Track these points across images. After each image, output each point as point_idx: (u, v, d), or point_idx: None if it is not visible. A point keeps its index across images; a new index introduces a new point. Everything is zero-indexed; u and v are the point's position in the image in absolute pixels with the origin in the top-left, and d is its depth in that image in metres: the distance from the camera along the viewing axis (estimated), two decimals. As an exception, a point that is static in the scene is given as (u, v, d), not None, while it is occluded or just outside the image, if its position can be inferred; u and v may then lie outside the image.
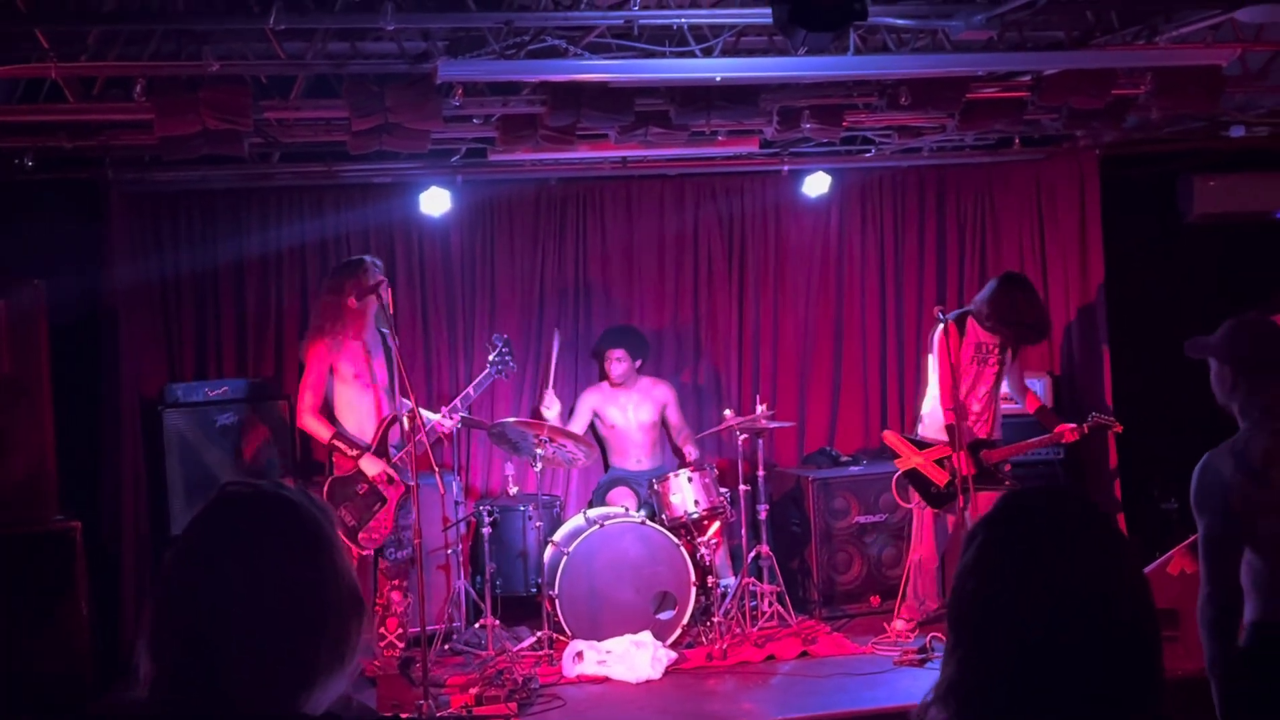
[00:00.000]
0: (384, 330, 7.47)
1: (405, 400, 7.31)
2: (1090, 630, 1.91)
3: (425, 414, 7.70)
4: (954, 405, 7.82)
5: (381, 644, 7.55)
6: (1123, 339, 9.78)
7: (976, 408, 8.09)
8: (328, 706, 1.99)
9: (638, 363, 9.08)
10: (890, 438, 8.37)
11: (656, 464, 9.11)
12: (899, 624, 8.19)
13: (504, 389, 9.41)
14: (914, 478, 8.15)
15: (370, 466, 7.38)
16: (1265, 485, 4.20)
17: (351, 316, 7.38)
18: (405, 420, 7.31)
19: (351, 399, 7.48)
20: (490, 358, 7.92)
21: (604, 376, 9.19)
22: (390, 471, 7.40)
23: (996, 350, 8.04)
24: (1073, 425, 7.93)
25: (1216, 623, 4.21)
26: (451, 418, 7.76)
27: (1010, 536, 2.01)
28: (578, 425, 9.12)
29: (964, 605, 2.01)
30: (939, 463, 8.01)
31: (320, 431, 7.44)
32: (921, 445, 8.15)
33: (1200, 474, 4.30)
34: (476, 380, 7.89)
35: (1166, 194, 10.12)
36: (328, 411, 7.49)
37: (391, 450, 7.47)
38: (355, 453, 7.39)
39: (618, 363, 8.98)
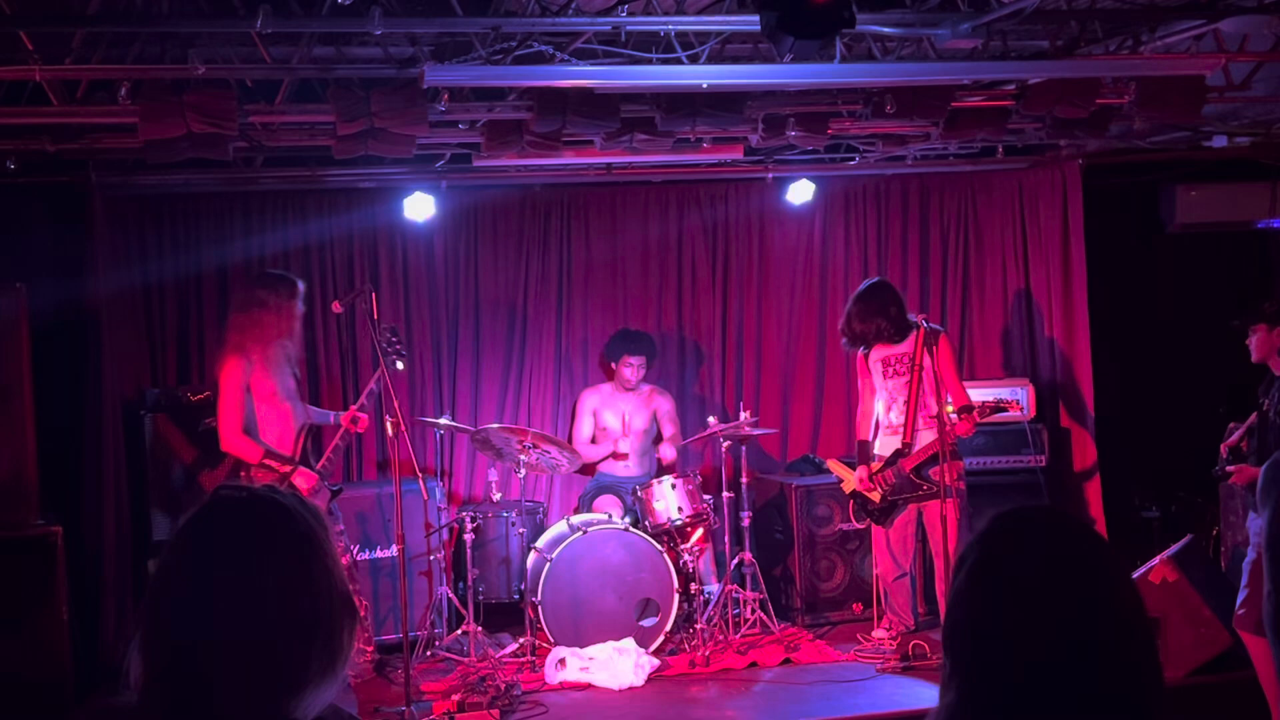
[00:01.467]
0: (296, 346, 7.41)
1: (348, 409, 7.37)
2: (1087, 651, 1.88)
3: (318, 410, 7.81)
4: (901, 422, 8.03)
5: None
6: (1104, 347, 9.82)
7: (898, 420, 8.12)
8: (318, 712, 1.98)
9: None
10: (832, 465, 8.59)
11: (644, 470, 9.10)
12: (879, 633, 8.21)
13: (489, 395, 9.40)
14: (856, 498, 8.30)
15: (303, 481, 7.17)
16: None
17: (273, 332, 7.23)
18: (390, 428, 7.23)
19: (270, 415, 7.28)
20: (383, 346, 7.34)
21: (610, 378, 9.18)
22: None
23: (907, 359, 8.05)
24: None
25: (1278, 623, 4.19)
26: (359, 418, 7.57)
27: (1001, 559, 1.98)
28: (585, 429, 9.11)
29: (959, 631, 1.97)
30: (871, 480, 8.16)
31: (249, 452, 7.18)
32: (855, 467, 8.31)
33: (1266, 470, 4.28)
34: (376, 375, 7.43)
35: (1148, 203, 10.17)
36: (250, 432, 7.28)
37: (310, 460, 7.38)
38: (288, 469, 7.18)
39: (637, 369, 8.98)
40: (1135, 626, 1.95)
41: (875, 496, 8.11)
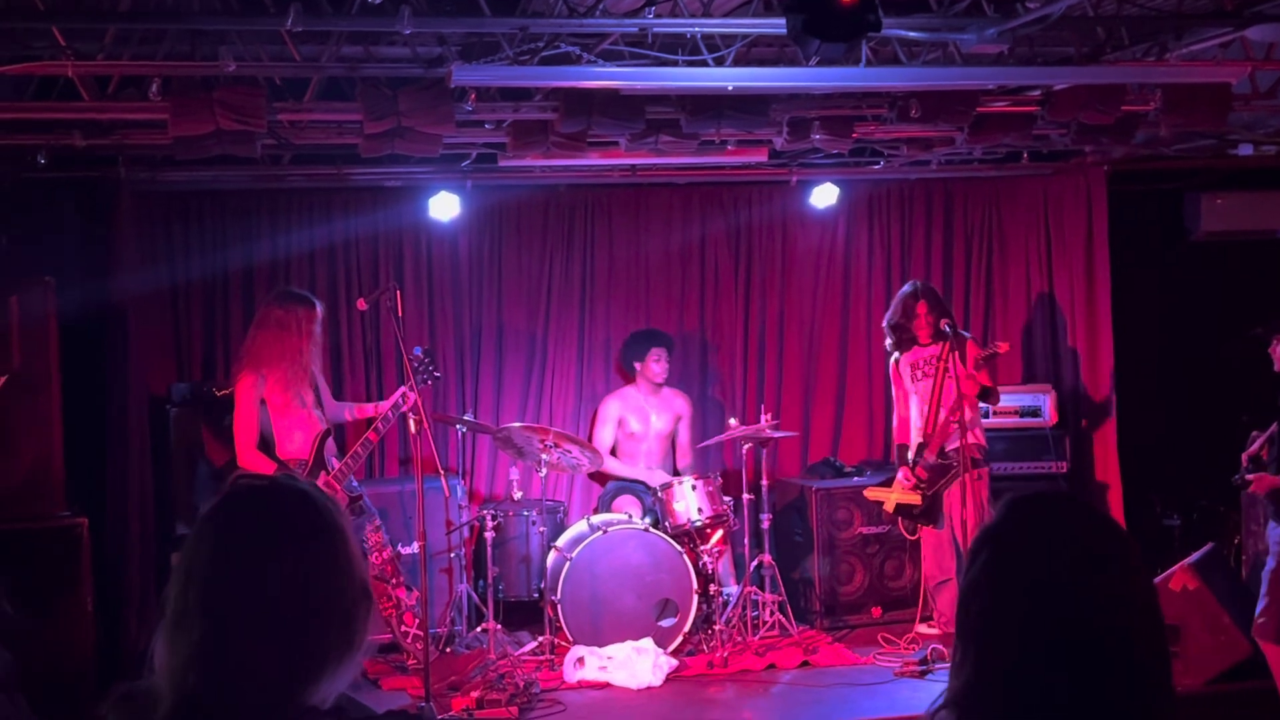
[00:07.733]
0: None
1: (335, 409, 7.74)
2: (1098, 639, 1.88)
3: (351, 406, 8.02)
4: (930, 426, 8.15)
5: (408, 640, 7.59)
6: (1127, 354, 9.80)
7: (919, 423, 8.28)
8: (332, 703, 2.01)
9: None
10: (870, 494, 8.67)
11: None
12: (923, 627, 8.32)
13: (511, 394, 9.43)
14: (901, 512, 8.37)
15: None
16: None
17: (286, 349, 7.35)
18: (412, 424, 7.28)
19: (287, 425, 7.43)
20: (415, 367, 7.47)
21: (628, 382, 9.20)
22: (335, 484, 7.38)
23: (935, 361, 8.14)
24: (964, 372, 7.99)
25: None
26: (383, 427, 7.64)
27: (1015, 547, 1.96)
28: (606, 433, 9.12)
29: (971, 617, 1.96)
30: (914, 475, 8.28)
31: (264, 468, 7.31)
32: (890, 483, 8.47)
33: None
34: (401, 389, 7.55)
35: (1173, 211, 10.15)
36: (264, 445, 7.42)
37: (332, 461, 7.47)
38: None
39: (662, 362, 9.00)
40: (1146, 613, 1.93)
41: (917, 499, 8.19)
